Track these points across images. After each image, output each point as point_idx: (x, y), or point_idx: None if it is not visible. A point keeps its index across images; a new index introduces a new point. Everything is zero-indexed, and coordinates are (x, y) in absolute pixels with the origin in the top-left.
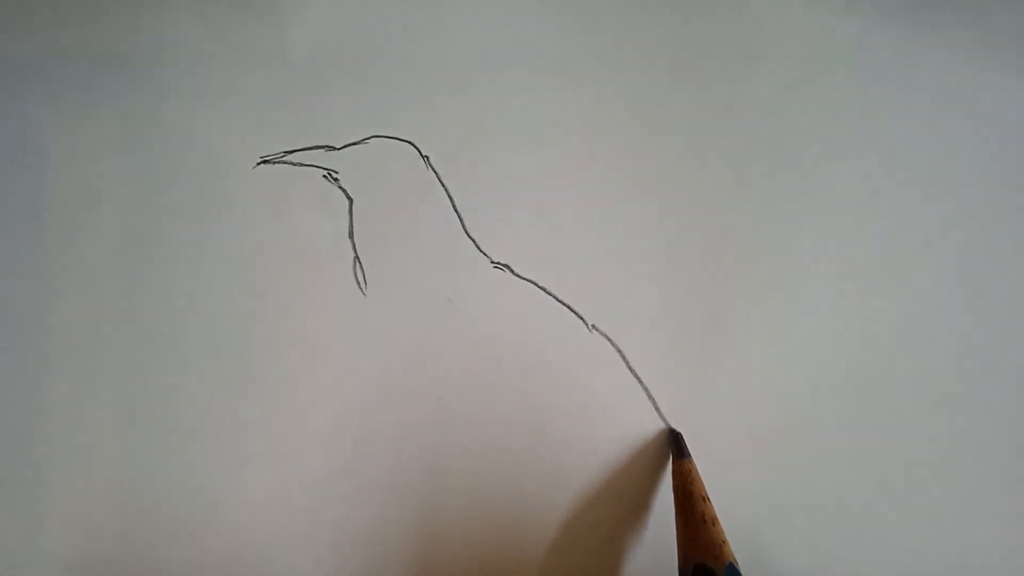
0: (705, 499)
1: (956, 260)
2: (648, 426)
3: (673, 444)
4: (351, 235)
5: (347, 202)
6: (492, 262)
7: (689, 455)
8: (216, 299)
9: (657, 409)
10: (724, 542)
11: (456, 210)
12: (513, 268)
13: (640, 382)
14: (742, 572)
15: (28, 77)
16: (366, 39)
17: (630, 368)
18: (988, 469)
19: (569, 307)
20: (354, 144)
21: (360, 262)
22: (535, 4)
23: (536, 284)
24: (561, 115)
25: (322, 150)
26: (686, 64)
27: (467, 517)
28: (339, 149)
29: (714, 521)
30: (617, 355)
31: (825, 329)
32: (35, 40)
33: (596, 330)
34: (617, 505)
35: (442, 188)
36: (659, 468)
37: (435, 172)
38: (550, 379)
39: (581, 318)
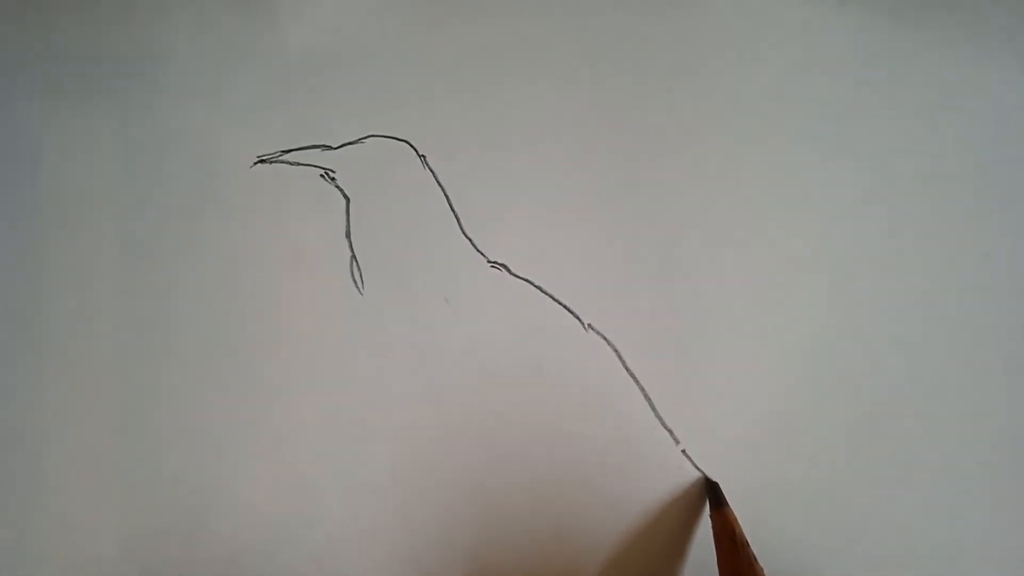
0: (746, 544)
1: (949, 257)
2: (649, 428)
3: (711, 494)
4: (348, 234)
5: (344, 201)
6: (488, 261)
7: (727, 503)
8: (212, 298)
9: (653, 407)
10: None
11: (453, 209)
12: (509, 267)
13: (636, 381)
14: None
15: (23, 76)
16: (362, 39)
17: (626, 367)
18: (980, 465)
19: (565, 306)
20: (351, 143)
21: (357, 261)
22: (530, 3)
23: (532, 283)
24: (557, 114)
25: (319, 149)
26: (681, 63)
27: (462, 515)
28: (336, 148)
29: (757, 565)
30: (613, 354)
31: (820, 328)
32: (30, 39)
33: (592, 329)
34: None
35: (439, 187)
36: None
37: (432, 171)
38: (546, 377)
39: (577, 317)
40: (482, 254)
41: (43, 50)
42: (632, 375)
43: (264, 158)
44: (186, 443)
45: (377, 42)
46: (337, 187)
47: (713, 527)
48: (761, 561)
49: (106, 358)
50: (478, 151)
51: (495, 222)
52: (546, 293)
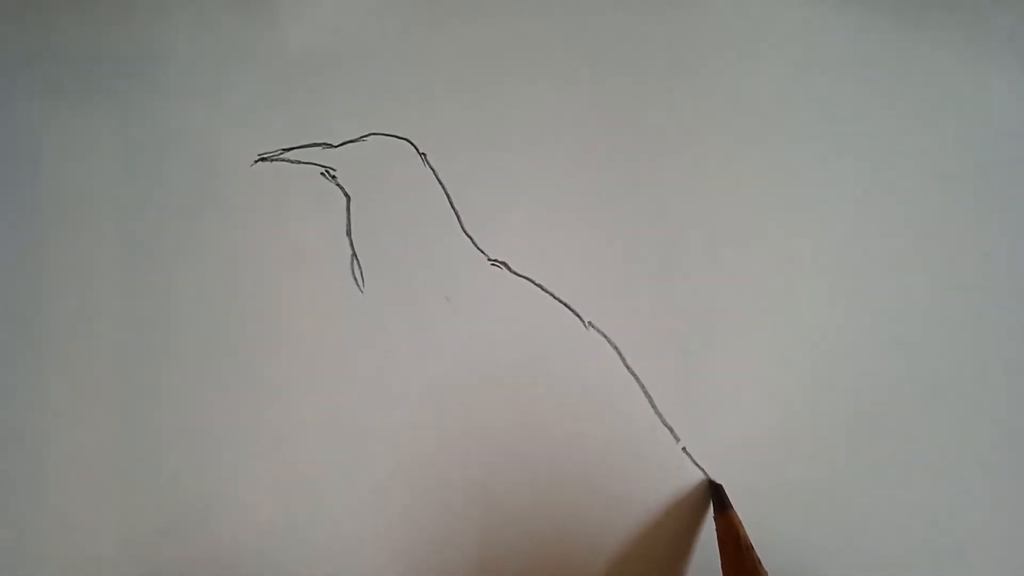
0: (751, 547)
1: (948, 258)
2: (649, 427)
3: (715, 496)
4: (348, 232)
5: (344, 199)
6: (489, 259)
7: (731, 506)
8: (213, 297)
9: (653, 405)
10: None
11: (453, 207)
12: (510, 265)
13: (636, 378)
14: None
15: (24, 77)
16: (363, 38)
17: (626, 365)
18: (980, 465)
19: (566, 304)
20: (352, 142)
21: (357, 259)
22: (530, 3)
23: (533, 281)
24: (558, 113)
25: (320, 147)
26: (681, 63)
27: (463, 515)
28: (337, 147)
29: (761, 569)
30: (613, 352)
31: (818, 327)
32: (31, 39)
33: (592, 327)
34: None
35: (439, 185)
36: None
37: (432, 169)
38: (547, 375)
39: (578, 315)
40: (483, 252)
41: (43, 50)
42: (633, 373)
43: (265, 156)
44: (186, 442)
45: (377, 41)
46: (338, 185)
47: (717, 530)
48: (761, 559)
49: (106, 357)
50: (478, 149)
51: (495, 220)
52: (547, 291)
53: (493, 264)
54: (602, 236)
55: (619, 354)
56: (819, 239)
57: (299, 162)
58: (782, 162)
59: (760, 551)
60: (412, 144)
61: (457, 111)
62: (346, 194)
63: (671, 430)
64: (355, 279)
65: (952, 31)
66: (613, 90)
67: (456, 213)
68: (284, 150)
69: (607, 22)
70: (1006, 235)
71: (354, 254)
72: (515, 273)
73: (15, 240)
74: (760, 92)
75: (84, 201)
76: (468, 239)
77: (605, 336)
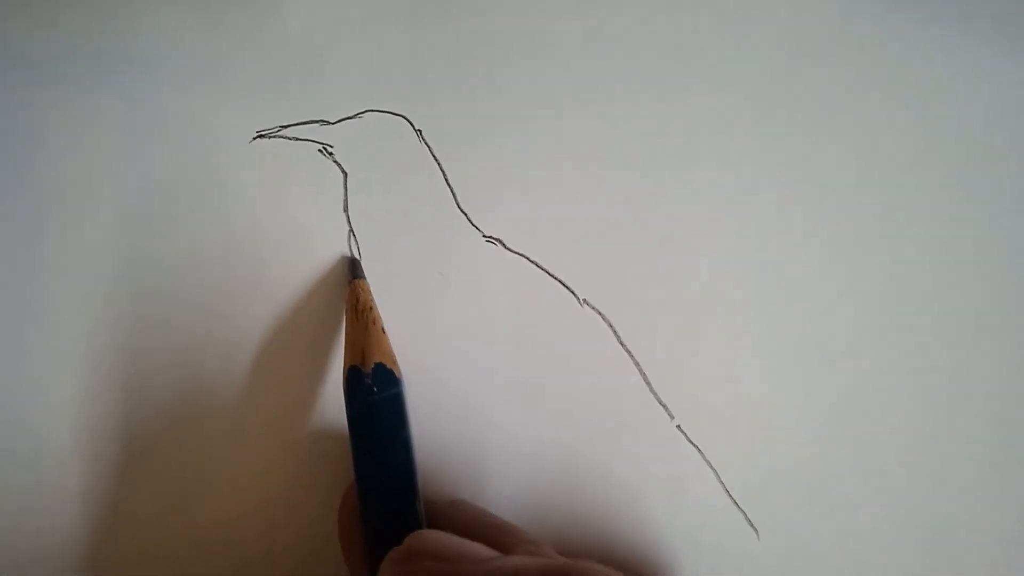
0: (373, 308)
1: (942, 247)
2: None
3: (349, 269)
4: (346, 208)
5: (342, 176)
6: (484, 236)
7: (364, 276)
8: (213, 275)
9: (648, 384)
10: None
11: (448, 184)
12: (505, 242)
13: (631, 356)
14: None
15: (23, 61)
16: (361, 15)
17: (621, 343)
18: (972, 452)
19: (561, 281)
20: (349, 118)
21: (355, 235)
22: None
23: (528, 258)
24: (553, 91)
25: (317, 124)
26: (676, 45)
27: (457, 494)
28: (333, 123)
29: (383, 328)
30: (608, 330)
31: (813, 311)
32: (30, 23)
33: (587, 304)
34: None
35: (435, 162)
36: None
37: (428, 146)
38: (541, 353)
39: (573, 292)
40: (477, 228)
41: (43, 34)
42: (628, 351)
43: (263, 133)
44: (186, 415)
45: (376, 19)
46: (335, 162)
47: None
48: (748, 538)
49: (107, 335)
50: (474, 126)
51: (490, 197)
52: (541, 268)
53: (488, 241)
54: (597, 214)
55: (614, 332)
56: (814, 224)
57: (296, 139)
58: (777, 147)
59: (749, 529)
60: (408, 121)
61: (454, 89)
62: (343, 171)
63: (666, 408)
64: (352, 255)
65: (945, 22)
66: (608, 68)
67: (451, 189)
68: (282, 127)
69: (602, 4)
70: (999, 225)
71: (351, 230)
72: (510, 250)
73: (18, 228)
74: (753, 71)
75: (86, 186)
76: (463, 215)
77: (600, 314)
